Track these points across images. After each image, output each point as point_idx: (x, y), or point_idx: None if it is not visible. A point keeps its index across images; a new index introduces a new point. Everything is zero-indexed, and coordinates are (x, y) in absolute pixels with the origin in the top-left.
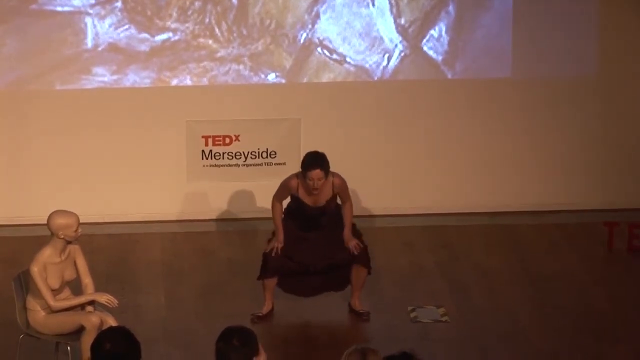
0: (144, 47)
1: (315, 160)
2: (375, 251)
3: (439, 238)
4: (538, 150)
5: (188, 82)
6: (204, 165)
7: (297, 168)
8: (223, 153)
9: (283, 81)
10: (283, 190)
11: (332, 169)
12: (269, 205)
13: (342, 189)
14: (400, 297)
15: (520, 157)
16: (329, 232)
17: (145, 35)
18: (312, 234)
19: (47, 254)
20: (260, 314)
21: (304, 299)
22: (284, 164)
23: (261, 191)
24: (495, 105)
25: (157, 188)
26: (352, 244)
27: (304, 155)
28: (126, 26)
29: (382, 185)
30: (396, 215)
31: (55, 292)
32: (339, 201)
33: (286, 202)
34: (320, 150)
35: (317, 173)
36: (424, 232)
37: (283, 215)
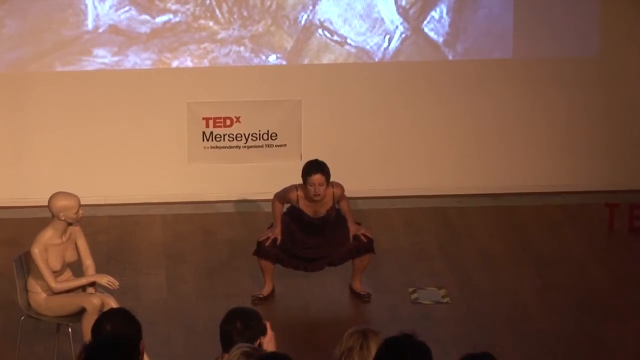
0: (144, 29)
1: (316, 166)
2: (376, 233)
3: (440, 219)
4: (539, 132)
5: (189, 63)
6: (204, 147)
7: (297, 150)
8: (224, 135)
9: (284, 63)
10: (283, 196)
11: (332, 150)
12: (269, 187)
13: (340, 195)
14: (401, 278)
15: (521, 139)
16: (330, 236)
17: (145, 16)
18: (314, 240)
19: (48, 235)
20: (261, 296)
21: (304, 280)
22: (285, 145)
23: (262, 173)
24: (497, 87)
25: (158, 170)
26: (360, 232)
27: (304, 164)
28: (127, 8)
29: (384, 166)
30: (397, 196)
31: (56, 273)
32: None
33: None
34: (321, 131)
35: (318, 178)
36: (426, 213)
37: (284, 216)
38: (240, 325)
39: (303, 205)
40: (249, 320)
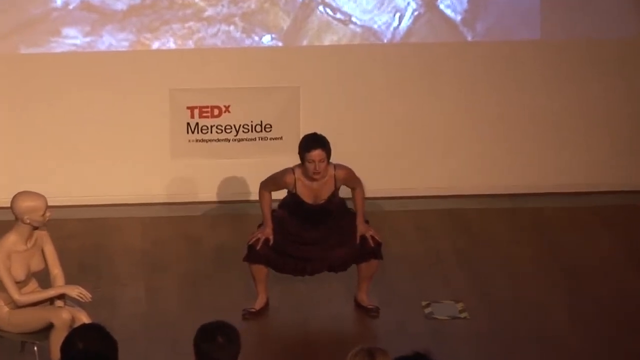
0: (121, 6)
1: (315, 140)
2: (384, 238)
3: (457, 223)
4: (570, 123)
5: (171, 45)
6: (189, 140)
7: (295, 143)
8: (211, 126)
9: (280, 44)
10: (274, 183)
11: (335, 143)
12: None
13: (348, 179)
14: (413, 290)
15: (549, 131)
16: (332, 231)
17: None
18: (312, 233)
19: (11, 241)
20: (253, 310)
21: (302, 290)
22: (281, 138)
23: (255, 170)
24: (522, 72)
25: (137, 166)
26: (369, 234)
27: (302, 138)
28: None
29: (393, 164)
30: (408, 197)
31: (20, 284)
32: (342, 193)
33: (283, 192)
34: (322, 122)
35: (318, 154)
36: (441, 216)
37: (279, 208)
38: (221, 339)
39: (301, 189)
40: (230, 334)
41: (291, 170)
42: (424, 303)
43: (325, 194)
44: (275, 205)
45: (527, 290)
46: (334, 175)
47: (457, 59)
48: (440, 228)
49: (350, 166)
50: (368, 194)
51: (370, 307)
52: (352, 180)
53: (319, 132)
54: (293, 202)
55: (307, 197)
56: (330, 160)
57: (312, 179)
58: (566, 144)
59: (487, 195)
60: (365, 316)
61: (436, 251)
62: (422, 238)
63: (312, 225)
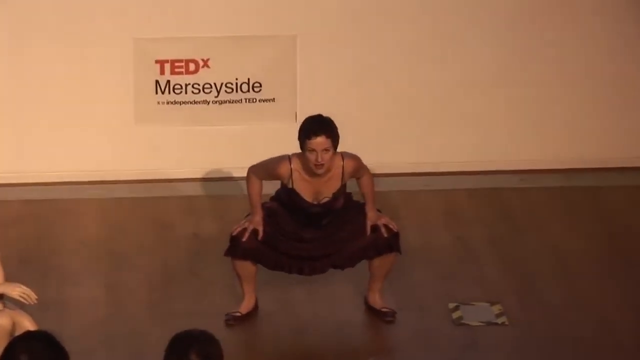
0: None
1: (318, 124)
2: (402, 225)
3: (494, 206)
4: (631, 80)
5: None
6: (158, 102)
7: (291, 106)
8: (186, 85)
9: None
10: (266, 171)
11: (340, 106)
12: (250, 159)
13: (356, 170)
14: (439, 289)
15: (609, 90)
16: (335, 229)
17: None
18: (310, 232)
19: None
20: (239, 314)
21: (300, 289)
22: (273, 100)
23: (240, 139)
24: (574, 17)
25: (93, 135)
26: (381, 222)
27: (302, 122)
28: None
29: (413, 132)
30: (433, 173)
31: None
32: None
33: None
34: (323, 79)
35: (321, 141)
36: (473, 197)
37: (270, 201)
38: (196, 357)
39: (299, 183)
40: (208, 347)
41: (287, 159)
42: (451, 306)
43: (329, 191)
44: (266, 199)
45: (579, 290)
46: (342, 167)
47: (490, 3)
48: (473, 212)
49: (357, 135)
50: (381, 170)
51: (385, 310)
52: (360, 170)
53: (320, 92)
54: (288, 199)
55: (306, 193)
56: (338, 146)
57: (313, 173)
58: (630, 107)
59: (530, 170)
60: (378, 322)
61: (467, 241)
62: (449, 224)
63: (312, 225)
